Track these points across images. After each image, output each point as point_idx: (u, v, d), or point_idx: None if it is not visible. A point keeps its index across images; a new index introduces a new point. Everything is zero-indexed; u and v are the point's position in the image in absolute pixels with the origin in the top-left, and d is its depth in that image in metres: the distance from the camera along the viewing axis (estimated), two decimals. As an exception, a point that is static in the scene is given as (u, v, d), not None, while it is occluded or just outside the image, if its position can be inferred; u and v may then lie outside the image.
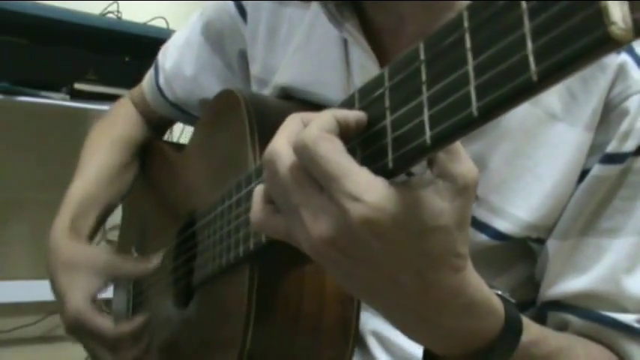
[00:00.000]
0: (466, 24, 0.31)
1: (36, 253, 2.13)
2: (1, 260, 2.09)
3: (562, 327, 0.62)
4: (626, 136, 0.58)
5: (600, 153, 0.58)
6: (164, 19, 2.16)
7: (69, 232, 0.83)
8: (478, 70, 0.30)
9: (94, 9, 2.03)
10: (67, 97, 1.87)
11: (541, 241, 0.62)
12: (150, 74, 0.93)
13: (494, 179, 0.60)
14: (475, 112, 0.30)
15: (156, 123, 0.97)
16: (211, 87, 0.83)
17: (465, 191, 0.37)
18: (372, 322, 0.65)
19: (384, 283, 0.39)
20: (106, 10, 2.10)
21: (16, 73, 1.80)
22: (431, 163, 0.37)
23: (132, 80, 1.99)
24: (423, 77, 0.34)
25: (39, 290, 2.33)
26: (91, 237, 0.87)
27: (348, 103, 0.40)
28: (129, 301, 0.91)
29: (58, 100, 1.85)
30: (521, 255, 0.64)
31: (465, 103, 0.31)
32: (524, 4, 0.28)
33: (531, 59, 0.28)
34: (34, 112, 2.02)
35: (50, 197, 2.14)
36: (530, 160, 0.59)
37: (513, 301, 0.46)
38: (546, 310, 0.64)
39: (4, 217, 2.10)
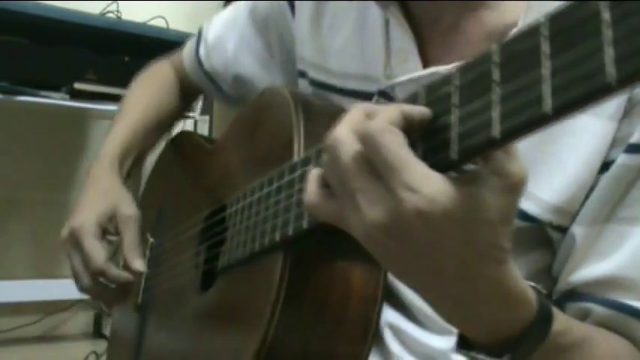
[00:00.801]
0: (545, 32, 0.34)
1: (35, 253, 2.13)
2: (1, 260, 2.09)
3: (581, 318, 0.63)
4: None
5: (624, 144, 0.60)
6: (164, 18, 2.17)
7: (118, 161, 0.87)
8: (554, 73, 0.33)
9: (94, 9, 2.04)
10: (67, 96, 1.87)
11: (562, 230, 0.63)
12: (191, 42, 0.97)
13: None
14: (550, 111, 0.33)
15: (187, 91, 1.02)
16: (248, 65, 0.87)
17: (515, 189, 0.39)
18: (388, 315, 0.66)
19: (427, 269, 0.41)
20: (106, 10, 2.11)
21: (16, 73, 1.81)
22: (485, 160, 0.39)
23: (132, 80, 2.01)
24: (495, 77, 0.36)
25: (38, 290, 2.34)
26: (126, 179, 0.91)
27: (412, 99, 0.42)
28: (140, 286, 0.91)
29: (57, 99, 1.86)
30: (539, 243, 0.65)
31: (537, 101, 0.34)
32: (605, 16, 0.31)
33: (610, 65, 0.30)
34: (34, 112, 2.03)
35: (50, 197, 2.17)
36: (555, 145, 0.61)
37: (545, 292, 0.49)
38: (565, 302, 0.64)
39: (4, 217, 2.10)
